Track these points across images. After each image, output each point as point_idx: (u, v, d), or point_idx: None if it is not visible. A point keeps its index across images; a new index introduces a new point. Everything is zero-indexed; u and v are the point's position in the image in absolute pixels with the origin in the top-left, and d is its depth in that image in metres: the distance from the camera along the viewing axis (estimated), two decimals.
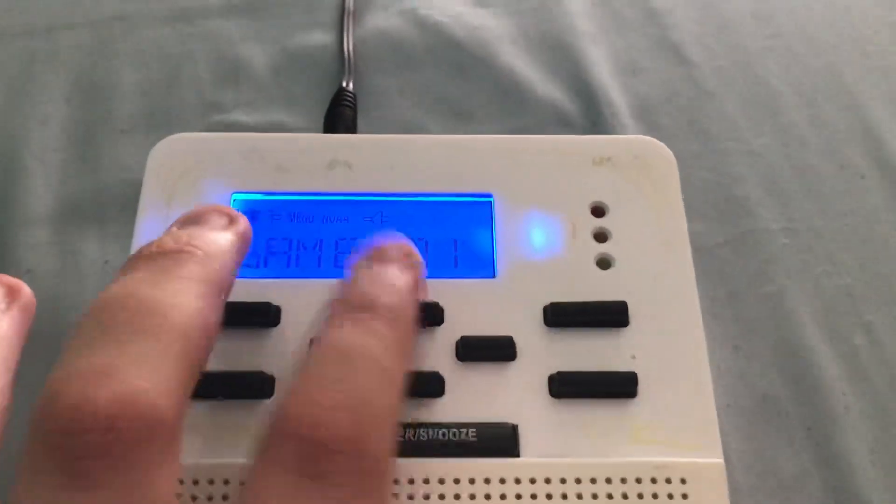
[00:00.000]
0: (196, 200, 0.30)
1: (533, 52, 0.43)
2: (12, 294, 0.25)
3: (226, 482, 0.25)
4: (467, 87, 0.42)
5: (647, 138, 0.32)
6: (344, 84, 0.38)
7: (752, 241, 0.37)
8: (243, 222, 0.26)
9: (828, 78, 0.43)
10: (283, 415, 0.21)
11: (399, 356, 0.23)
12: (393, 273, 0.25)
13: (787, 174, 0.39)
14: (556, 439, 0.26)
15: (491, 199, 0.30)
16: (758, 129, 0.41)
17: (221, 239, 0.25)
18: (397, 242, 0.26)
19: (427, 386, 0.27)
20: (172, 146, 0.31)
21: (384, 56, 0.42)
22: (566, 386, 0.27)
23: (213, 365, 0.27)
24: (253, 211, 0.30)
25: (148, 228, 0.30)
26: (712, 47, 0.44)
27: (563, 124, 0.40)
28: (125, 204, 0.37)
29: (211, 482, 0.25)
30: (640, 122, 0.41)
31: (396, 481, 0.25)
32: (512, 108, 0.41)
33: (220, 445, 0.26)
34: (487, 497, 0.25)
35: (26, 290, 0.25)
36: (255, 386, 0.27)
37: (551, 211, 0.30)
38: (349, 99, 0.37)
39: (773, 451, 0.32)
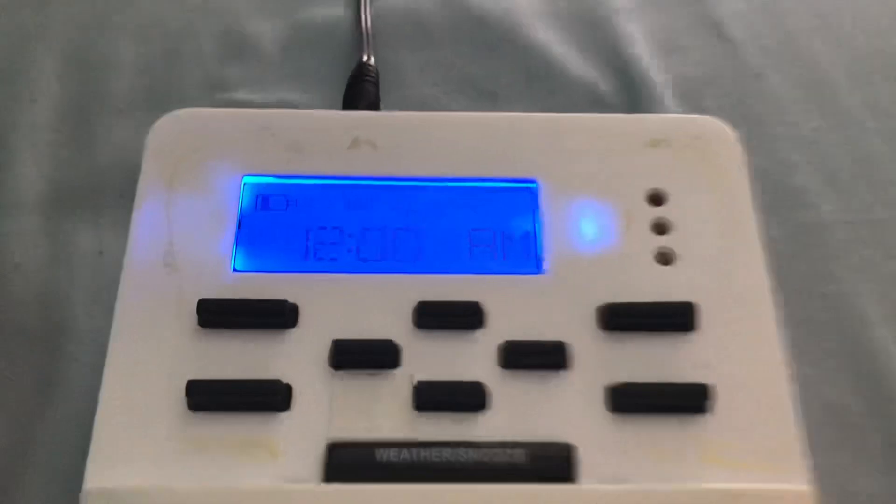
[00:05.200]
0: (202, 184, 0.27)
1: (564, 28, 0.41)
2: None
3: None
4: (493, 65, 0.39)
5: (707, 118, 0.29)
6: (364, 58, 0.35)
7: (810, 234, 0.34)
8: None
9: (883, 59, 0.40)
10: None
11: None
12: None
13: (843, 161, 0.37)
14: (617, 462, 0.23)
15: (535, 185, 0.27)
16: (809, 113, 0.38)
17: None
18: None
19: (467, 398, 0.24)
20: (175, 123, 0.28)
21: (403, 31, 0.40)
22: (627, 399, 0.24)
23: (222, 372, 0.24)
24: (265, 196, 0.27)
25: (147, 216, 0.27)
26: (756, 25, 0.42)
27: (599, 106, 0.38)
28: (122, 190, 0.35)
29: None
30: (683, 103, 0.38)
31: None
32: (542, 88, 0.39)
33: (228, 468, 0.23)
34: None
35: None
36: (269, 397, 0.23)
37: (603, 198, 0.27)
38: (371, 73, 0.34)
39: (849, 471, 0.29)
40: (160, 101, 0.37)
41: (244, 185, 0.27)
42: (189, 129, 0.28)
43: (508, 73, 0.39)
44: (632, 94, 0.38)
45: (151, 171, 0.27)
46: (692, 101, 0.38)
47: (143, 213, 0.27)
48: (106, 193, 0.34)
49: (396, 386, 0.24)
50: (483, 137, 0.28)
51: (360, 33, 0.37)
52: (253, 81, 0.38)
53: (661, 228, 0.27)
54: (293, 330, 0.25)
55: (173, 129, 0.28)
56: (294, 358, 0.24)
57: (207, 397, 0.23)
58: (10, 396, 0.30)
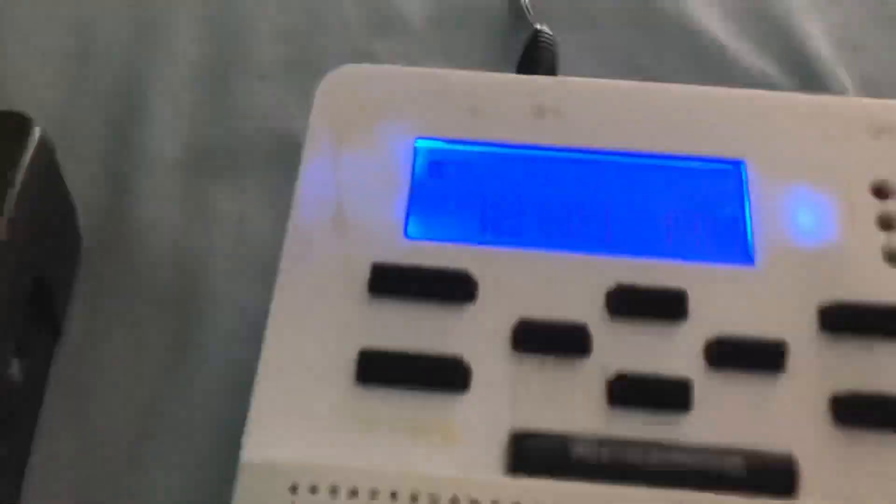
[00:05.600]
0: (372, 144, 0.25)
1: (733, 16, 0.38)
2: None
3: (413, 498, 0.19)
4: (659, 50, 0.36)
5: None
6: (539, 26, 0.33)
7: None
8: None
9: None
10: None
11: None
12: None
13: None
14: (842, 480, 0.20)
15: (743, 166, 0.24)
16: None
17: None
18: None
19: (670, 395, 0.21)
20: (346, 78, 0.26)
21: (560, 8, 0.37)
22: (855, 411, 0.21)
23: (393, 344, 0.22)
24: (440, 161, 0.25)
25: (315, 174, 0.25)
26: None
27: None
28: (264, 156, 0.33)
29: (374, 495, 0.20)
30: None
31: None
32: (712, 78, 0.35)
33: (400, 449, 0.20)
34: None
35: None
36: (449, 375, 0.21)
37: (821, 186, 0.24)
38: (548, 40, 0.31)
39: None
40: (302, 69, 0.35)
41: (418, 148, 0.25)
42: (360, 85, 0.26)
43: (674, 59, 0.36)
44: (817, 92, 0.34)
45: (319, 127, 0.25)
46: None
47: (311, 171, 0.25)
48: (248, 159, 0.33)
49: (587, 375, 0.21)
50: (683, 110, 0.25)
51: (521, 6, 0.35)
52: (400, 55, 0.36)
53: (889, 224, 0.24)
54: (472, 305, 0.22)
55: (343, 84, 0.26)
56: (473, 335, 0.22)
57: (380, 370, 0.21)
58: (143, 361, 0.28)
